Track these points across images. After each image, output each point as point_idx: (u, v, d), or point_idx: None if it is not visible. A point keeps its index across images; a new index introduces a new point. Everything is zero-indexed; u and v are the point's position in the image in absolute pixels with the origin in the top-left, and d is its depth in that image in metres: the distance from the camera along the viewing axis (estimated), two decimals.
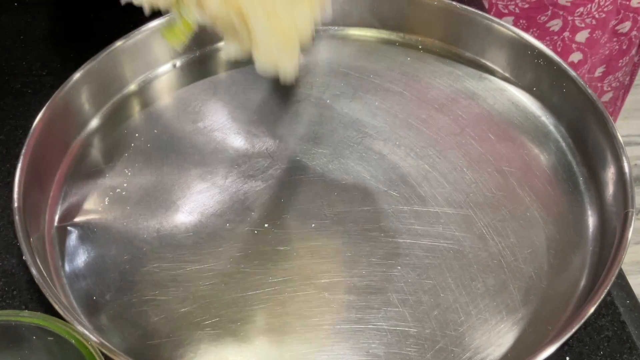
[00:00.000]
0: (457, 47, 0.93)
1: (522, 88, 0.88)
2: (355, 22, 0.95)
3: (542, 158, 0.82)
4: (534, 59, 0.86)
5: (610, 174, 0.75)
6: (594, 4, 1.13)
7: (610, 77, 1.31)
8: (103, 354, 0.55)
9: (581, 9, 1.14)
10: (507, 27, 0.88)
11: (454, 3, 0.90)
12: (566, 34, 1.18)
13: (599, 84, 1.31)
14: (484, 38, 0.90)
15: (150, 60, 0.89)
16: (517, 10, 1.18)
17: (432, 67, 0.92)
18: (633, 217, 0.69)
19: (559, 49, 1.21)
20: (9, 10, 1.01)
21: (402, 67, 0.92)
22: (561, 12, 1.15)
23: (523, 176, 0.80)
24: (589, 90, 0.80)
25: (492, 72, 0.91)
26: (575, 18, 1.15)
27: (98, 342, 0.59)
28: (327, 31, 0.96)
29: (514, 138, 0.83)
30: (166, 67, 0.91)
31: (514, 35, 0.87)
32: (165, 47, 0.90)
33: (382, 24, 0.95)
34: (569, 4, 1.13)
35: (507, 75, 0.90)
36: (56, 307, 0.62)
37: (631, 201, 0.70)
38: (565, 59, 1.20)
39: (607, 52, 1.24)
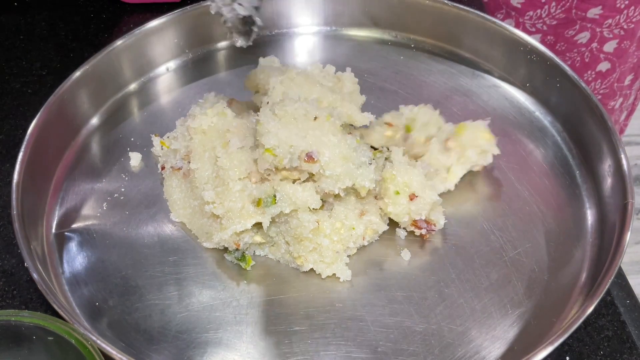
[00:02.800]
0: (450, 45, 0.93)
1: (516, 84, 0.89)
2: (348, 23, 0.96)
3: (539, 153, 0.82)
4: (526, 55, 0.87)
5: (607, 166, 0.76)
6: (622, 15, 1.13)
7: (637, 82, 1.32)
8: (103, 353, 0.55)
9: (610, 21, 1.14)
10: (499, 24, 0.89)
11: (446, 1, 0.91)
12: (594, 45, 1.18)
13: (628, 91, 1.32)
14: (476, 35, 0.91)
15: (150, 60, 0.89)
16: (545, 28, 1.18)
17: (425, 65, 0.92)
18: (633, 208, 0.70)
19: (586, 60, 1.20)
20: (9, 10, 1.01)
21: (396, 66, 0.92)
22: (589, 25, 1.15)
23: (520, 171, 0.80)
24: (583, 84, 0.81)
25: (485, 69, 0.91)
26: (604, 29, 1.15)
27: (98, 341, 0.59)
28: (320, 32, 0.96)
29: (509, 134, 0.84)
30: (165, 68, 0.91)
31: (506, 32, 0.88)
32: (164, 48, 0.90)
33: (374, 23, 0.95)
34: (597, 17, 1.14)
35: (500, 71, 0.90)
36: (61, 312, 0.62)
37: (630, 192, 0.71)
38: (592, 68, 1.20)
39: (635, 60, 1.25)
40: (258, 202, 0.69)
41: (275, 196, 0.68)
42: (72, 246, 0.73)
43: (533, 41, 0.86)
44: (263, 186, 0.69)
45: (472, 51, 0.92)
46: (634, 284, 0.76)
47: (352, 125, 0.79)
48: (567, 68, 0.83)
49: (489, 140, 0.78)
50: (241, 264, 0.72)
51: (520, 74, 0.89)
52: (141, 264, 0.72)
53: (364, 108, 0.85)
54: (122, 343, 0.66)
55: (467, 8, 0.90)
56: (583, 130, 0.81)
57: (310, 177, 0.69)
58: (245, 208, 0.69)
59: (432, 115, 0.79)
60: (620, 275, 0.75)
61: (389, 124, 0.80)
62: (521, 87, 0.89)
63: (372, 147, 0.80)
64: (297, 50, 0.95)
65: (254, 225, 0.70)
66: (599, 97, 1.25)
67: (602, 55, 1.19)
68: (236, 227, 0.69)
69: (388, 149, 0.75)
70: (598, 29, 1.14)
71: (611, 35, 1.15)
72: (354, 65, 0.91)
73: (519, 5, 1.17)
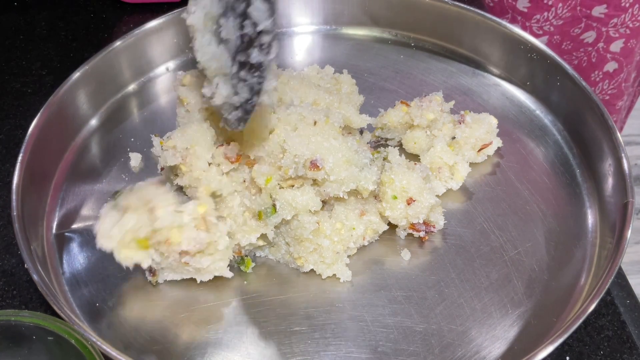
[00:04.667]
0: (450, 43, 0.93)
1: (516, 83, 0.89)
2: (348, 22, 0.96)
3: (539, 151, 0.82)
4: (527, 54, 0.87)
5: (607, 165, 0.76)
6: (627, 14, 1.13)
7: (638, 80, 1.32)
8: (103, 354, 0.55)
9: (615, 20, 1.13)
10: (499, 22, 0.88)
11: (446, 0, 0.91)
12: (600, 44, 1.18)
13: (631, 89, 1.32)
14: (476, 34, 0.90)
15: (149, 60, 0.89)
16: (552, 29, 1.17)
17: (425, 64, 0.92)
18: (633, 208, 0.70)
19: (593, 60, 1.20)
20: (9, 10, 1.01)
21: (396, 65, 0.92)
22: (595, 24, 1.15)
23: (521, 170, 0.80)
24: (584, 83, 0.81)
25: (485, 68, 0.91)
26: (610, 29, 1.15)
27: (97, 342, 0.59)
28: (320, 31, 0.96)
29: (509, 133, 0.84)
30: (165, 68, 0.91)
31: (506, 30, 0.88)
32: (163, 48, 0.90)
33: (374, 22, 0.95)
34: (602, 16, 1.13)
35: (500, 70, 0.90)
36: (61, 313, 0.62)
37: (630, 191, 0.71)
38: (600, 68, 1.20)
39: (638, 58, 1.25)
40: (259, 215, 0.68)
41: (275, 205, 0.68)
42: (72, 247, 0.73)
43: (533, 39, 0.86)
44: (261, 197, 0.69)
45: (472, 50, 0.92)
46: (634, 284, 0.76)
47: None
48: (567, 67, 0.83)
49: (493, 122, 0.81)
50: (240, 267, 0.72)
51: (520, 72, 0.88)
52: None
53: (364, 107, 0.85)
54: (122, 344, 0.66)
55: (467, 7, 0.90)
56: (584, 129, 0.81)
57: (314, 182, 0.69)
58: (248, 224, 0.69)
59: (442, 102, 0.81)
60: (620, 275, 0.75)
61: (404, 103, 0.81)
62: (521, 85, 0.89)
63: (369, 146, 0.80)
64: (297, 49, 0.94)
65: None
66: (607, 97, 1.25)
67: (609, 55, 1.18)
68: (241, 241, 0.69)
69: (385, 149, 0.75)
70: (604, 28, 1.14)
71: (617, 35, 1.15)
72: (353, 65, 0.91)
73: (525, 10, 1.16)
